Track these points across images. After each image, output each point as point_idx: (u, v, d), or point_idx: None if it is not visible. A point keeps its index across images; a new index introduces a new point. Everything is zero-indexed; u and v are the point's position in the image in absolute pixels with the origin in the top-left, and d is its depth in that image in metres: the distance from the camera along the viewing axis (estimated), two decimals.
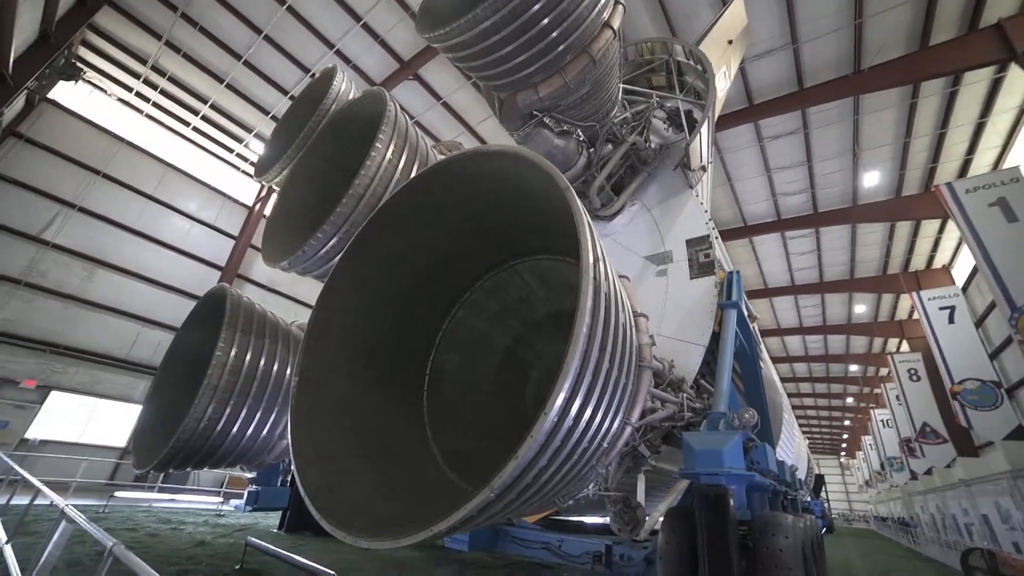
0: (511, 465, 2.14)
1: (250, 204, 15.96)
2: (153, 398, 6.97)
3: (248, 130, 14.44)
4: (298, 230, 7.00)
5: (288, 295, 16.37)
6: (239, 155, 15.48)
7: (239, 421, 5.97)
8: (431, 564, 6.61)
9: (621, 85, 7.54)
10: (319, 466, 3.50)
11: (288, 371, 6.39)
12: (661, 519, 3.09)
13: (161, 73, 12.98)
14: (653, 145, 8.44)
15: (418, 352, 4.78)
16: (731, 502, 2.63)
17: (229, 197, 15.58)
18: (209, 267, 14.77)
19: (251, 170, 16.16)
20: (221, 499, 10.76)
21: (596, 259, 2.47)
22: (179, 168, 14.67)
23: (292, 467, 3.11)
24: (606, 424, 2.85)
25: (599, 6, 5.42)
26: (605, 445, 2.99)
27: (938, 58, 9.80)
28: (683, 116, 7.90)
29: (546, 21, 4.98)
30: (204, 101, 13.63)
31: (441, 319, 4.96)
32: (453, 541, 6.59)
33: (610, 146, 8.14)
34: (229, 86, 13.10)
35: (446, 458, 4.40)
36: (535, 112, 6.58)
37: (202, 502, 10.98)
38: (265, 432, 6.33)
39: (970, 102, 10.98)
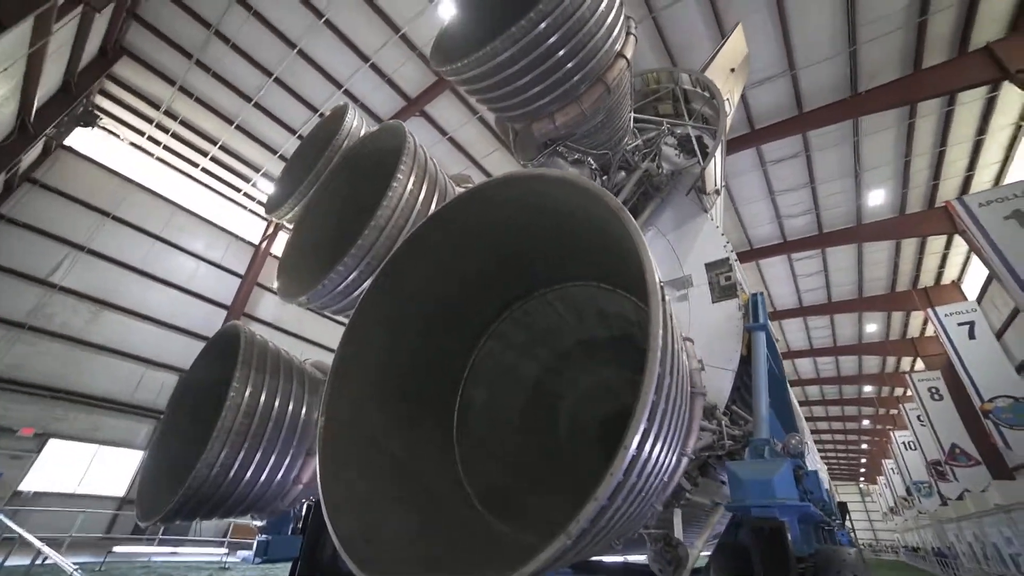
0: (590, 508, 1.92)
1: (256, 242, 16.02)
2: (159, 445, 6.65)
3: (256, 169, 14.68)
4: (315, 265, 6.92)
5: (295, 333, 16.18)
6: (246, 194, 15.67)
7: (253, 466, 5.66)
8: None
9: (632, 114, 7.68)
10: (352, 513, 3.22)
11: (303, 411, 6.11)
12: (700, 556, 2.86)
13: (173, 117, 13.32)
14: (665, 171, 8.53)
15: (446, 387, 4.59)
16: (788, 536, 2.44)
17: (236, 236, 15.66)
18: (215, 306, 14.66)
19: (258, 209, 16.35)
20: (226, 550, 10.17)
21: (662, 286, 2.36)
22: (187, 208, 14.82)
23: (325, 516, 2.86)
24: (669, 456, 2.66)
25: (612, 36, 5.52)
26: (666, 479, 2.78)
27: (932, 80, 10.07)
28: (694, 141, 8.01)
29: (562, 52, 5.07)
30: (214, 142, 13.92)
31: (468, 352, 4.80)
32: None
33: (623, 173, 8.20)
34: (239, 127, 13.41)
35: (480, 498, 4.14)
36: (549, 141, 6.67)
37: (205, 554, 10.36)
38: (279, 477, 5.99)
39: (967, 120, 11.21)
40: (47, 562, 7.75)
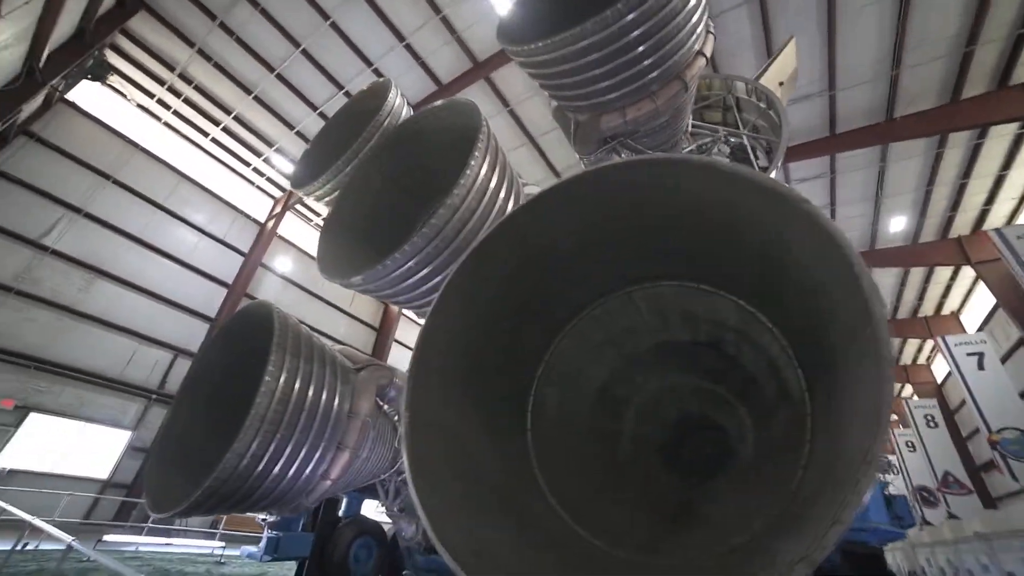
0: (835, 531, 1.65)
1: (262, 220, 15.32)
2: (169, 430, 6.08)
3: (269, 144, 14.03)
4: (363, 245, 6.49)
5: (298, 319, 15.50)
6: (256, 169, 14.98)
7: (283, 458, 5.23)
8: None
9: (691, 118, 7.49)
10: (453, 523, 2.86)
11: (336, 401, 5.69)
12: None
13: (187, 81, 12.61)
14: None
15: (521, 387, 4.29)
16: (887, 563, 2.26)
17: (242, 212, 14.93)
18: (216, 283, 13.92)
19: (267, 186, 15.64)
20: (223, 544, 9.56)
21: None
22: (193, 179, 14.04)
23: (428, 526, 2.50)
24: None
25: (696, 33, 5.28)
26: None
27: (970, 111, 10.19)
28: (750, 152, 7.85)
29: (647, 45, 4.80)
30: (228, 112, 13.24)
31: (544, 350, 4.50)
32: None
33: None
34: (257, 98, 12.78)
35: (562, 507, 3.84)
36: (610, 137, 6.40)
37: (196, 546, 9.73)
38: (308, 471, 5.56)
39: (995, 155, 11.40)
40: (27, 547, 7.09)
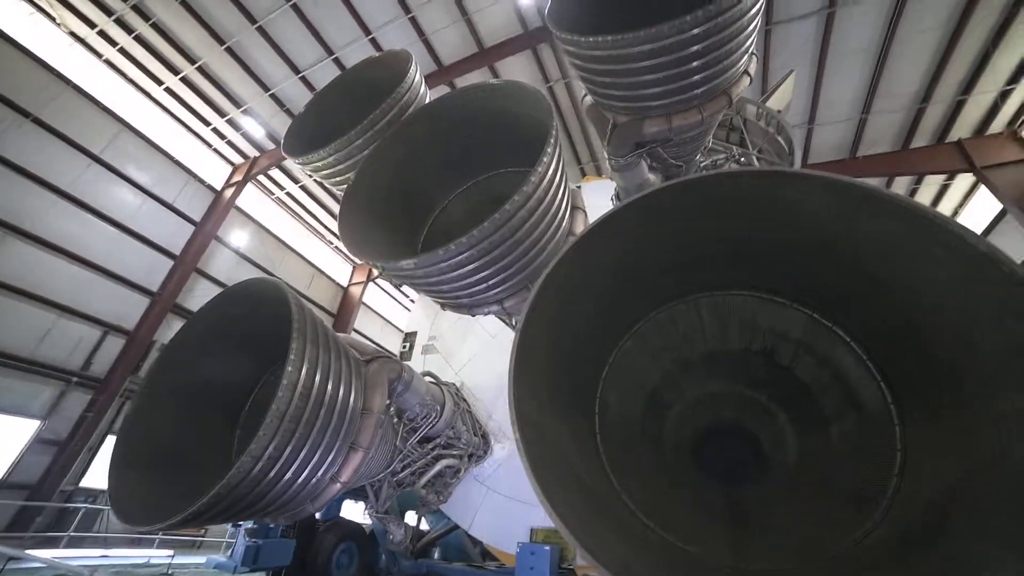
0: None
1: (219, 188, 13.60)
2: (135, 426, 5.10)
3: (237, 104, 12.49)
4: (384, 226, 6.00)
5: None
6: (216, 131, 13.26)
7: (299, 460, 4.64)
8: None
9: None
10: (589, 534, 2.65)
11: (352, 396, 5.16)
12: None
13: (144, 17, 10.84)
14: None
15: (588, 389, 4.16)
16: None
17: (196, 176, 13.12)
18: (160, 253, 12.08)
19: (227, 151, 13.89)
20: (170, 552, 8.24)
21: None
22: (137, 131, 12.09)
23: (572, 540, 2.27)
24: None
25: (748, 52, 5.50)
26: None
27: (914, 159, 11.66)
28: None
29: (709, 57, 4.93)
30: (192, 60, 11.58)
31: (609, 352, 4.41)
32: None
33: None
34: (229, 50, 11.32)
35: (642, 514, 3.75)
36: (644, 143, 6.47)
37: (126, 556, 8.27)
38: (320, 473, 4.98)
39: (923, 200, 13.13)
40: None
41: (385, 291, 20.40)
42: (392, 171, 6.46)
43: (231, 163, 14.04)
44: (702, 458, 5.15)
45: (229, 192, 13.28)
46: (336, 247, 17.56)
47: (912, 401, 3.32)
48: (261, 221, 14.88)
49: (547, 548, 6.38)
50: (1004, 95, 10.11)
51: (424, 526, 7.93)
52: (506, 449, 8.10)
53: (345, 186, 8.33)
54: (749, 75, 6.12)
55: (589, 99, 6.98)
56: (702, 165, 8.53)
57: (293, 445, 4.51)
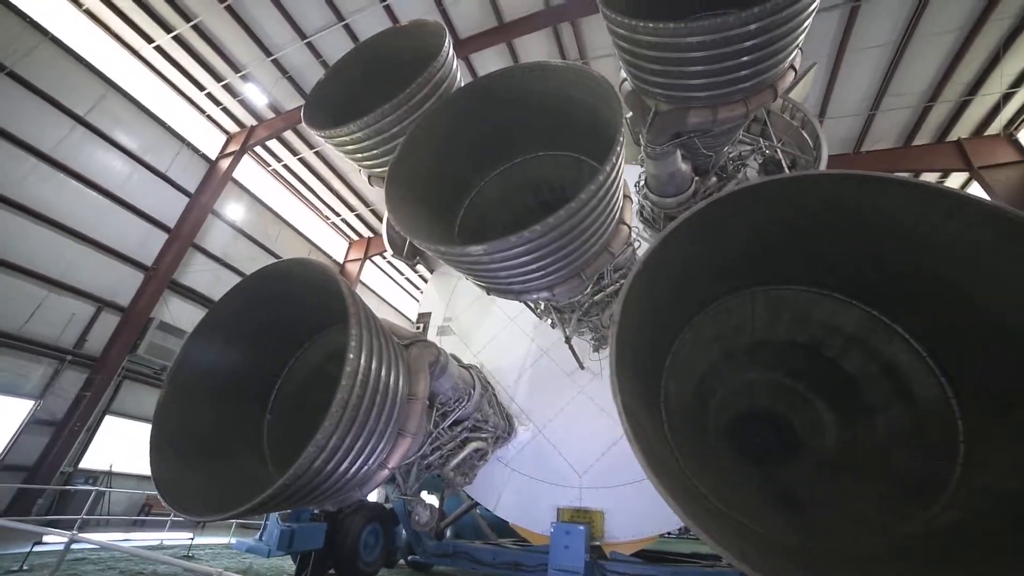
0: None
1: (213, 158, 12.84)
2: (171, 414, 4.94)
3: (236, 69, 11.71)
4: (424, 208, 5.87)
5: (243, 273, 13.39)
6: (210, 96, 12.42)
7: (356, 447, 4.61)
8: None
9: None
10: (713, 525, 2.76)
11: (400, 383, 5.12)
12: None
13: None
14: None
15: (655, 380, 4.25)
16: None
17: (189, 144, 12.32)
18: (154, 225, 11.40)
19: (222, 118, 13.05)
20: (190, 535, 8.06)
21: None
22: (125, 92, 11.21)
23: (703, 535, 2.36)
24: None
25: (796, 46, 5.52)
26: None
27: (915, 156, 12.08)
28: (784, 164, 8.40)
29: (764, 51, 4.92)
30: (187, 18, 10.72)
31: (671, 343, 4.50)
32: None
33: (714, 179, 8.37)
34: (230, 8, 10.53)
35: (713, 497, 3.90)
36: (683, 132, 6.46)
37: (140, 540, 8.05)
38: (372, 460, 4.96)
39: None
40: None
41: (381, 269, 20.00)
42: (432, 151, 6.28)
43: (226, 132, 13.25)
44: (741, 442, 5.36)
45: (224, 163, 12.57)
46: (332, 223, 17.01)
47: (976, 397, 3.50)
48: (257, 194, 14.20)
49: (581, 527, 6.58)
50: (1006, 97, 10.49)
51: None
52: (529, 431, 8.21)
53: (370, 162, 8.02)
54: (794, 69, 6.13)
55: (628, 85, 6.85)
56: (732, 155, 8.58)
57: (353, 433, 4.47)
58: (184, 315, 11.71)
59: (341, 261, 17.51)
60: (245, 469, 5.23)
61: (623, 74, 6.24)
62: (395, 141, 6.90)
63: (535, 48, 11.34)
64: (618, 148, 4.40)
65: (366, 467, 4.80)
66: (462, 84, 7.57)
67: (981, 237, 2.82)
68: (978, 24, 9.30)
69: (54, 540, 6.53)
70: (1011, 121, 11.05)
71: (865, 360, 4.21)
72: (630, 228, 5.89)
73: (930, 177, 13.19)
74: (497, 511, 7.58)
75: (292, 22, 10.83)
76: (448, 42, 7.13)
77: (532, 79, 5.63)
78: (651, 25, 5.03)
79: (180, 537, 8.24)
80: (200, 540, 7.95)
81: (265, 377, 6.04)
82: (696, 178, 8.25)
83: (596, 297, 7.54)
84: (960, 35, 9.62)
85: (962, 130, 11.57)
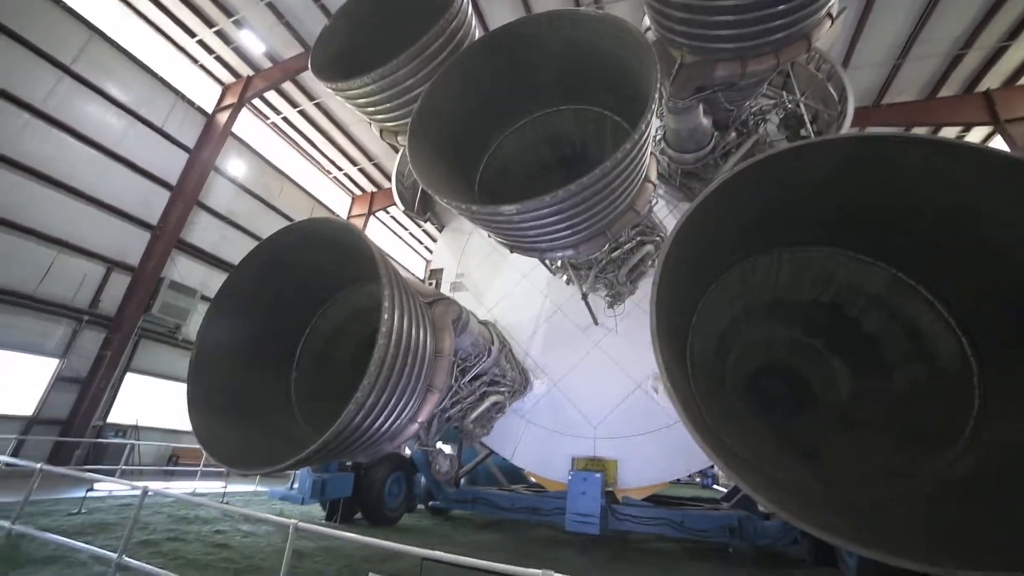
0: None
1: (210, 111, 12.29)
2: (205, 372, 5.07)
3: (228, 13, 10.94)
4: (446, 165, 5.73)
5: (248, 231, 13.24)
6: (202, 43, 11.70)
7: (391, 403, 4.78)
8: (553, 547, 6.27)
9: None
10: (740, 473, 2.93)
11: (428, 340, 5.24)
12: None
13: None
14: (771, 141, 8.69)
15: (680, 338, 4.37)
16: None
17: (184, 97, 11.76)
18: (155, 183, 11.12)
19: (216, 68, 12.36)
20: (223, 484, 8.51)
21: None
22: (112, 39, 10.52)
23: (749, 491, 2.54)
24: None
25: None
26: None
27: (938, 108, 11.65)
28: (807, 120, 8.12)
29: (783, 6, 4.67)
30: None
31: (699, 300, 4.58)
32: (582, 525, 6.34)
33: (734, 135, 8.13)
34: None
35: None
36: (707, 86, 6.22)
37: (168, 488, 8.53)
38: (404, 415, 5.16)
39: None
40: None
41: (385, 225, 19.78)
42: (452, 105, 6.07)
43: (221, 83, 12.60)
44: (758, 395, 5.58)
45: (222, 116, 12.07)
46: (335, 177, 16.61)
47: (995, 356, 3.62)
48: (258, 149, 13.75)
49: (597, 475, 6.95)
50: None
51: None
52: (545, 385, 8.49)
53: (383, 116, 7.70)
54: (831, 17, 5.80)
55: (652, 34, 6.51)
56: (754, 108, 8.27)
57: (388, 391, 4.63)
58: (193, 274, 11.70)
59: (345, 217, 17.27)
60: (278, 425, 5.45)
61: (647, 21, 5.91)
62: (410, 94, 6.63)
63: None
64: (653, 106, 4.26)
65: (398, 421, 5.01)
66: (477, 33, 7.16)
67: (1000, 188, 2.83)
68: None
69: (103, 488, 6.91)
70: None
71: (887, 319, 4.32)
72: (655, 185, 5.80)
73: (951, 132, 12.82)
74: (514, 460, 7.99)
75: None
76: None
77: (559, 30, 5.31)
78: None
79: (212, 486, 8.71)
80: (230, 488, 8.40)
81: (289, 336, 6.16)
82: (716, 133, 8.03)
83: (614, 254, 7.56)
84: None
85: (993, 80, 11.10)
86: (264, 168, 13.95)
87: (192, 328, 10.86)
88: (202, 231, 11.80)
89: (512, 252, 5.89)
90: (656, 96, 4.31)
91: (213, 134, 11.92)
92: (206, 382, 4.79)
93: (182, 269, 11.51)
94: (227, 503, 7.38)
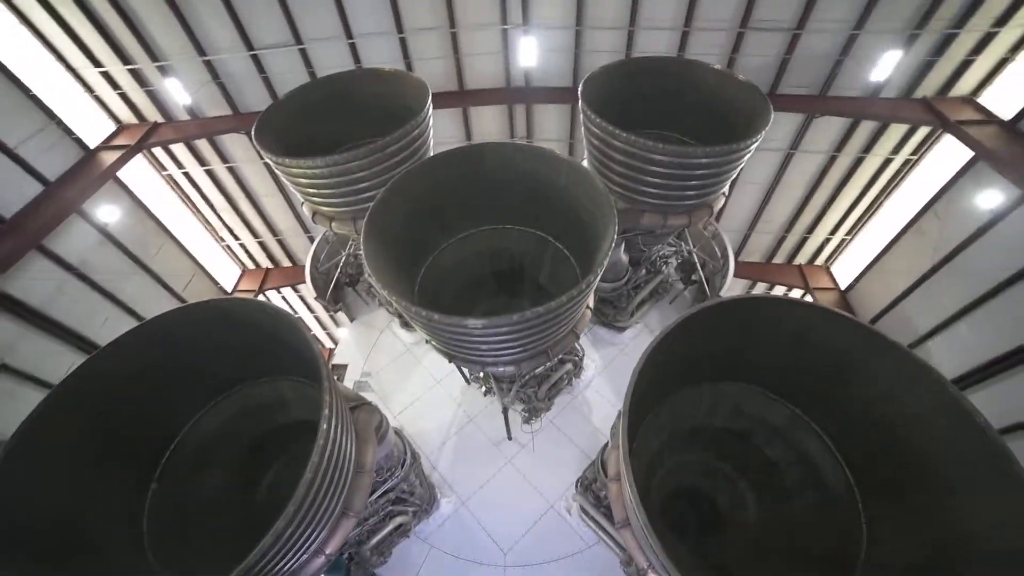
0: None
1: (92, 146, 10.47)
2: (19, 499, 3.81)
3: (154, 57, 10.03)
4: (394, 265, 5.61)
5: (102, 288, 10.70)
6: (107, 75, 10.34)
7: (305, 532, 3.98)
8: None
9: None
10: None
11: (352, 454, 4.64)
12: None
13: None
14: (671, 280, 10.33)
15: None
16: None
17: (59, 122, 9.77)
18: None
19: (116, 104, 10.81)
20: None
21: None
22: None
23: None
24: None
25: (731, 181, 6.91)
26: None
27: (879, 108, 10.87)
28: (699, 268, 9.86)
29: (707, 181, 6.16)
30: None
31: (637, 427, 4.89)
32: None
33: (644, 272, 9.56)
34: None
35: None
36: (630, 230, 7.47)
37: None
38: (311, 545, 4.27)
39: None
40: None
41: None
42: (407, 209, 6.10)
43: (118, 120, 11.06)
44: (674, 517, 5.87)
45: (108, 156, 10.39)
46: (227, 245, 14.85)
47: (875, 485, 4.36)
48: (143, 199, 11.85)
49: None
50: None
51: None
52: (452, 504, 7.74)
53: (320, 200, 7.47)
54: (724, 194, 7.55)
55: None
56: (659, 253, 9.80)
57: (309, 516, 3.84)
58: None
59: (229, 290, 15.23)
60: (118, 562, 4.07)
61: (586, 164, 6.93)
62: (357, 185, 6.60)
63: (488, 119, 12.02)
64: (608, 253, 4.58)
65: (303, 556, 4.07)
66: (432, 143, 7.63)
67: (885, 367, 3.71)
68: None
69: None
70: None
71: (785, 449, 5.00)
72: (591, 310, 6.30)
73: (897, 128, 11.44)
74: None
75: (241, 29, 9.93)
76: (430, 100, 7.23)
77: (524, 160, 5.78)
78: (627, 136, 5.77)
79: None
80: None
81: (156, 436, 4.91)
82: (630, 268, 9.31)
83: (538, 370, 7.73)
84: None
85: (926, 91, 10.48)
86: (145, 221, 11.96)
87: None
88: (32, 280, 9.26)
89: (451, 361, 5.69)
90: (611, 247, 4.59)
91: (89, 172, 10.08)
92: (16, 508, 3.43)
93: None
94: None
